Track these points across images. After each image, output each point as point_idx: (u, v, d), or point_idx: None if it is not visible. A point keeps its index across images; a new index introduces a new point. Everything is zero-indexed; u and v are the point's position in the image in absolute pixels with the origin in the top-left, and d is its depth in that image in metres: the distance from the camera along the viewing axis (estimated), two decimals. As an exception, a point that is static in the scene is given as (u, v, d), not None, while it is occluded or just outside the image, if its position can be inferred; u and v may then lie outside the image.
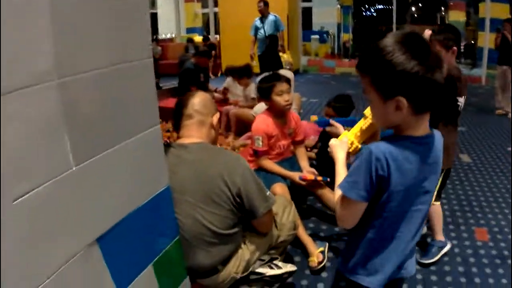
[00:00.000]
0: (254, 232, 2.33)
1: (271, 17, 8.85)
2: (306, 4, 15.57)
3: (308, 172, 3.34)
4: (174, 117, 2.29)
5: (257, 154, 3.41)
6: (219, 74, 12.36)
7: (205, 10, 17.23)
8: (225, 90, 6.88)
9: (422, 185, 1.43)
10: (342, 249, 1.85)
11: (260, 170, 3.36)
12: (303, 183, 3.26)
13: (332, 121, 1.98)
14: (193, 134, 2.20)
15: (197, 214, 2.04)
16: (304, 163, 3.51)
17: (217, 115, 2.32)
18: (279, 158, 3.51)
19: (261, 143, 3.32)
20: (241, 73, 6.42)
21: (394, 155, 1.33)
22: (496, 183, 4.69)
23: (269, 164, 3.38)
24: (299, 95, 6.90)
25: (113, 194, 1.39)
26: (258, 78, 5.29)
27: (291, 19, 11.98)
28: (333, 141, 1.67)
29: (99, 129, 1.30)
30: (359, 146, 1.66)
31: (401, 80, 1.25)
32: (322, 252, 3.14)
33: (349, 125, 2.21)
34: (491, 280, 2.94)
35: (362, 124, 1.66)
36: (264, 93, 3.43)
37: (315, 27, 17.13)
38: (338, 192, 1.46)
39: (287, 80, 3.47)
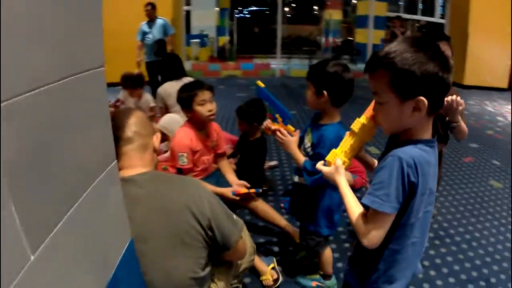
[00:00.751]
0: (218, 265, 2.05)
1: (159, 21, 8.36)
2: (186, 8, 15.34)
3: (239, 186, 3.20)
4: None
5: (181, 172, 3.07)
6: None
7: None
8: (120, 103, 6.11)
9: (432, 187, 1.44)
10: (351, 264, 1.74)
11: None
12: (237, 198, 3.08)
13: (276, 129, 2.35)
14: (137, 163, 1.78)
15: (168, 265, 1.69)
16: (231, 176, 3.35)
17: (158, 135, 1.93)
18: (204, 174, 3.28)
19: (186, 160, 3.03)
20: (135, 83, 5.85)
21: (420, 160, 1.35)
22: None
23: None
24: None
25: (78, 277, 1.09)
26: (162, 86, 4.98)
27: (175, 23, 11.63)
28: (326, 169, 1.60)
29: (52, 184, 0.95)
30: (349, 162, 1.63)
31: (422, 80, 1.27)
32: (274, 268, 3.05)
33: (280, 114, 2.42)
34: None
35: (352, 141, 1.61)
36: (185, 102, 3.12)
37: (194, 31, 17.02)
38: (358, 211, 1.44)
39: (210, 88, 3.18)
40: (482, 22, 11.86)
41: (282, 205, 4.18)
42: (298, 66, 15.00)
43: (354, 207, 1.45)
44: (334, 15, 18.81)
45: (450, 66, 1.31)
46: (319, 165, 1.64)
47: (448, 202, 4.32)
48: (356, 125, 1.58)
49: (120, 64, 10.56)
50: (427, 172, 1.37)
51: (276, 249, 3.42)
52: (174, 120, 4.45)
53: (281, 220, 3.41)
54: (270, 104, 2.47)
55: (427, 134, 1.41)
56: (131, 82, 5.79)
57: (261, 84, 2.50)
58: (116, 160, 1.31)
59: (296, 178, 2.63)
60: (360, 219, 1.41)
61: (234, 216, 1.95)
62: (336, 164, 1.56)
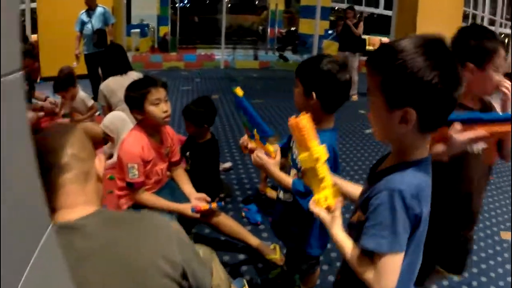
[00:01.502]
0: None
1: (99, 9, 7.85)
2: (127, -5, 14.90)
3: (198, 199, 2.89)
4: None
5: (132, 187, 2.70)
6: (38, 80, 11.12)
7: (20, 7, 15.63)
8: (62, 103, 5.78)
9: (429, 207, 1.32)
10: None
11: (137, 206, 2.75)
12: (197, 215, 2.79)
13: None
14: (78, 200, 1.31)
15: None
16: (188, 187, 3.01)
17: (101, 157, 1.46)
18: (157, 187, 2.91)
19: (137, 173, 2.64)
20: (64, 84, 5.38)
21: (423, 186, 1.23)
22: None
23: (152, 198, 2.77)
24: None
25: None
26: (105, 83, 4.62)
27: (115, 12, 11.21)
28: (324, 216, 1.39)
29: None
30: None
31: (415, 88, 1.12)
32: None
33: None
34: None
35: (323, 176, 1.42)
36: (135, 102, 2.72)
37: (135, 20, 16.66)
38: (356, 255, 1.28)
39: (164, 85, 2.82)
40: (431, 15, 12.04)
41: (243, 213, 3.92)
42: (243, 57, 14.97)
43: (361, 259, 1.28)
44: (278, 4, 18.88)
45: (459, 81, 1.16)
46: (313, 206, 1.42)
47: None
48: (304, 163, 1.42)
49: (57, 57, 10.19)
50: (427, 195, 1.26)
51: (244, 268, 3.13)
52: (118, 117, 4.19)
53: (248, 236, 3.11)
54: (248, 118, 2.09)
55: (424, 153, 1.27)
56: (59, 84, 5.41)
57: (240, 93, 2.10)
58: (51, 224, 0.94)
59: (281, 194, 2.31)
60: (368, 265, 1.25)
61: (200, 251, 1.73)
62: (334, 216, 1.37)
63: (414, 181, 1.21)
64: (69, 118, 5.32)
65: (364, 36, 10.09)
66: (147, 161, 2.73)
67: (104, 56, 5.17)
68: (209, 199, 2.93)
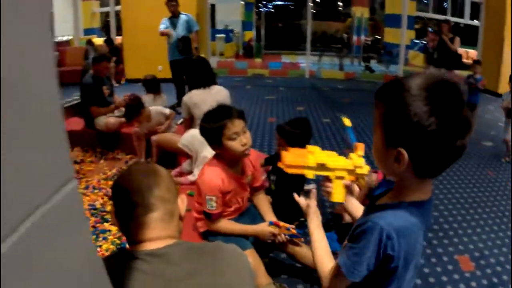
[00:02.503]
0: None
1: (183, 17, 7.97)
2: (210, 1, 15.13)
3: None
4: (118, 210, 1.42)
5: (210, 217, 2.67)
6: (122, 81, 11.33)
7: (104, 9, 15.98)
8: (131, 97, 5.67)
9: (418, 258, 1.34)
10: None
11: (214, 233, 2.74)
12: (275, 230, 2.69)
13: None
14: (161, 235, 1.38)
15: None
16: (268, 214, 2.92)
17: (184, 198, 1.54)
18: (237, 214, 2.87)
19: (215, 205, 2.59)
20: (135, 111, 5.24)
21: (404, 231, 1.22)
22: (457, 197, 4.72)
23: (229, 225, 2.74)
24: None
25: None
26: (186, 96, 4.54)
27: (199, 18, 11.36)
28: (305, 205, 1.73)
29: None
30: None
31: (410, 131, 1.12)
32: None
33: None
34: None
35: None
36: (212, 137, 2.61)
37: (219, 26, 16.88)
38: (329, 264, 1.47)
39: (241, 115, 2.65)
40: None
41: None
42: (328, 66, 14.83)
43: (326, 259, 1.51)
44: (362, 12, 18.56)
45: (462, 129, 1.12)
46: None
47: (500, 240, 3.88)
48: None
49: (141, 60, 10.39)
50: (412, 240, 1.25)
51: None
52: (197, 137, 4.09)
53: None
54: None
55: (422, 196, 1.25)
56: (129, 114, 5.31)
57: (348, 123, 1.98)
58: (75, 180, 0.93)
59: None
60: (333, 272, 1.40)
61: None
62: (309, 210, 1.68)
63: (395, 223, 1.21)
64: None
65: (461, 50, 9.71)
66: (227, 192, 2.67)
67: (189, 68, 5.05)
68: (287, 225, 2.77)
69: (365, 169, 1.56)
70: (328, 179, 1.62)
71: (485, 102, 9.64)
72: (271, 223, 2.70)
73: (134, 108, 5.17)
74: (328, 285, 1.40)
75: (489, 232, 3.98)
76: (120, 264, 1.28)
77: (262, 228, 2.72)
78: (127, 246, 1.43)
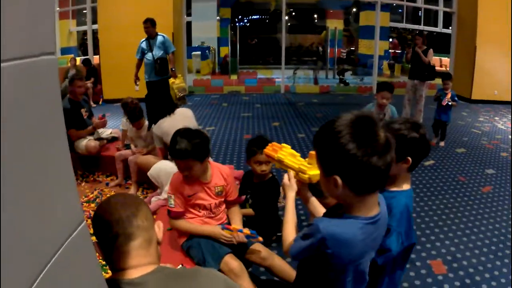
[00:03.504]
0: None
1: (159, 38, 8.14)
2: (187, 18, 15.21)
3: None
4: (100, 241, 1.51)
5: (169, 214, 3.05)
6: (100, 102, 11.35)
7: (81, 28, 16.11)
8: (124, 134, 5.81)
9: (362, 262, 1.55)
10: None
11: (195, 242, 3.01)
12: (228, 236, 2.94)
13: None
14: (142, 261, 1.48)
15: None
16: (236, 222, 3.20)
17: (159, 223, 1.63)
18: (217, 223, 3.14)
19: (173, 203, 2.99)
20: (135, 117, 5.35)
21: (340, 237, 1.44)
22: (429, 204, 4.89)
23: (187, 225, 3.06)
24: (206, 132, 6.10)
25: None
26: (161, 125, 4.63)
27: (176, 36, 11.43)
28: (286, 181, 1.86)
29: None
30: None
31: (338, 160, 1.36)
32: None
33: None
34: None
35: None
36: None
37: (195, 42, 17.01)
38: (292, 236, 1.69)
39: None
40: (489, 34, 11.88)
41: None
42: (303, 80, 15.12)
43: (291, 231, 1.72)
44: (337, 24, 18.90)
45: (380, 150, 1.34)
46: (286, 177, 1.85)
47: (472, 243, 4.06)
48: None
49: (119, 80, 10.44)
50: (349, 248, 1.46)
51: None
52: (164, 171, 4.30)
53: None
54: None
55: (366, 212, 1.47)
56: (132, 114, 5.37)
57: None
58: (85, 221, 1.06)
59: None
60: (291, 242, 1.65)
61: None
62: (290, 178, 1.83)
63: (333, 230, 1.44)
64: (130, 149, 5.44)
65: (434, 58, 9.97)
66: (190, 195, 3.02)
67: (148, 103, 5.22)
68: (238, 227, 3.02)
69: (306, 176, 1.77)
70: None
71: (458, 108, 9.94)
72: (223, 227, 2.95)
73: (138, 113, 5.30)
74: (285, 250, 1.68)
75: (461, 236, 4.15)
76: None
77: (215, 229, 2.99)
78: (110, 273, 1.51)
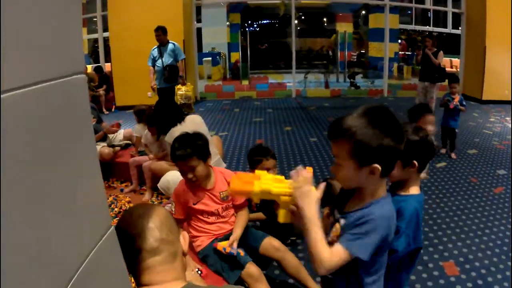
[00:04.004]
0: None
1: (170, 46, 8.28)
2: (197, 25, 15.28)
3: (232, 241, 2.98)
4: (124, 256, 1.33)
5: None
6: (113, 109, 11.43)
7: (92, 36, 16.26)
8: (138, 140, 5.87)
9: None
10: None
11: (211, 250, 3.03)
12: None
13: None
14: (168, 277, 1.41)
15: None
16: (237, 226, 3.14)
17: (184, 234, 1.57)
18: (229, 228, 3.18)
19: (174, 209, 3.08)
20: (152, 121, 5.34)
21: (391, 214, 1.67)
22: (441, 206, 4.90)
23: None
24: (218, 137, 6.14)
25: None
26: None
27: (186, 42, 11.53)
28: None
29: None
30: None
31: (378, 152, 1.54)
32: None
33: None
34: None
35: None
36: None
37: (206, 48, 17.08)
38: (337, 248, 1.63)
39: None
40: (499, 35, 11.88)
41: None
42: (314, 84, 15.13)
43: (322, 245, 1.61)
44: (346, 28, 18.90)
45: (403, 137, 1.59)
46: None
47: (484, 244, 4.07)
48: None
49: (130, 87, 10.50)
50: (393, 223, 1.68)
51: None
52: (173, 182, 4.34)
53: (308, 280, 3.15)
54: None
55: (383, 191, 1.69)
56: (147, 119, 5.53)
57: None
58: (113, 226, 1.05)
59: None
60: (338, 254, 1.61)
61: None
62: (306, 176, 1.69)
63: (386, 211, 1.64)
64: (145, 155, 5.52)
65: (445, 59, 9.95)
66: (195, 203, 3.07)
67: (156, 114, 5.19)
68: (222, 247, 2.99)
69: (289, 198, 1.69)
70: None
71: (469, 110, 9.91)
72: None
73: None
74: (328, 264, 1.60)
75: (473, 237, 4.17)
76: None
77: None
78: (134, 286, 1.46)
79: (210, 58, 16.32)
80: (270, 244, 3.10)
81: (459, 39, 13.79)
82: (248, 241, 3.12)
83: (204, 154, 3.01)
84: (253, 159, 3.81)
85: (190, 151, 2.94)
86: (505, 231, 4.32)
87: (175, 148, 3.01)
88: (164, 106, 5.07)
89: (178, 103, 9.20)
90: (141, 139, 5.64)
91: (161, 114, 4.93)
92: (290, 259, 3.11)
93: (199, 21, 15.20)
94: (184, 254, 1.51)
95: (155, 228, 1.42)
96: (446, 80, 8.27)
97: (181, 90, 9.37)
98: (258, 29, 25.96)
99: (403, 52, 19.78)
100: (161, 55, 8.18)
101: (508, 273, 3.56)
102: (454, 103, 6.82)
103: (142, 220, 1.42)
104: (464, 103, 7.01)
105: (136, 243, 1.38)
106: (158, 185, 4.57)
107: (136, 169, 5.47)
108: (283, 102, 12.59)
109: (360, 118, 1.55)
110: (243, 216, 3.24)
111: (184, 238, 1.54)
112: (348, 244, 1.59)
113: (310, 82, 15.62)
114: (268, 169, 3.56)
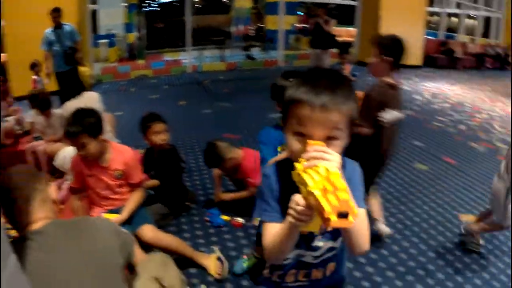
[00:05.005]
0: None
1: (66, 27, 8.11)
2: (91, 6, 14.79)
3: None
4: (3, 205, 1.80)
5: (71, 190, 3.40)
6: (9, 100, 11.05)
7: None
8: (33, 127, 5.77)
9: None
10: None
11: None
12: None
13: None
14: (40, 217, 1.82)
15: None
16: (124, 212, 3.24)
17: (53, 185, 2.03)
18: (118, 204, 3.33)
19: (70, 179, 3.33)
20: (45, 105, 5.47)
21: None
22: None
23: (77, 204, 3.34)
24: (111, 115, 6.04)
25: None
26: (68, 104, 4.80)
27: (80, 25, 11.01)
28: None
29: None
30: None
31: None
32: (219, 258, 3.32)
33: None
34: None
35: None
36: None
37: (102, 31, 16.79)
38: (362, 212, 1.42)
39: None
40: (392, 5, 12.89)
41: (206, 218, 4.14)
42: (210, 59, 15.26)
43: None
44: (245, 3, 19.11)
45: None
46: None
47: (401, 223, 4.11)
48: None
49: (28, 76, 10.26)
50: None
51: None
52: (69, 158, 4.06)
53: (197, 255, 3.40)
54: None
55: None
56: (39, 104, 5.54)
57: None
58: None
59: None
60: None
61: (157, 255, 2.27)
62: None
63: None
64: (41, 139, 5.47)
65: (341, 29, 10.46)
66: (88, 175, 3.23)
67: (59, 84, 5.21)
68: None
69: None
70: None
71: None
72: None
73: (44, 103, 5.39)
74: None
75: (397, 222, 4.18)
76: (18, 246, 1.63)
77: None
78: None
79: (106, 40, 16.08)
80: (143, 235, 3.21)
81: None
82: (131, 223, 3.24)
83: (95, 131, 3.04)
84: (143, 125, 4.00)
85: (80, 128, 2.97)
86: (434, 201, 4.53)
87: (67, 124, 3.07)
88: (69, 86, 5.08)
89: (89, 83, 8.81)
90: (36, 125, 5.63)
91: (67, 94, 5.00)
92: (167, 244, 3.27)
93: (94, 2, 14.98)
94: (54, 202, 1.92)
95: (28, 180, 1.84)
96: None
97: (87, 71, 9.22)
98: (156, 8, 25.66)
99: (301, 25, 20.27)
100: (59, 38, 7.99)
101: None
102: (346, 73, 7.28)
103: (18, 175, 1.86)
104: (355, 73, 7.55)
105: (13, 194, 1.78)
106: (54, 163, 4.52)
107: (33, 155, 5.40)
108: (179, 79, 12.81)
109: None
110: (135, 197, 3.35)
111: (52, 188, 1.96)
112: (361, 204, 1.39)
113: (206, 57, 15.81)
114: (159, 132, 3.93)
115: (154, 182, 4.06)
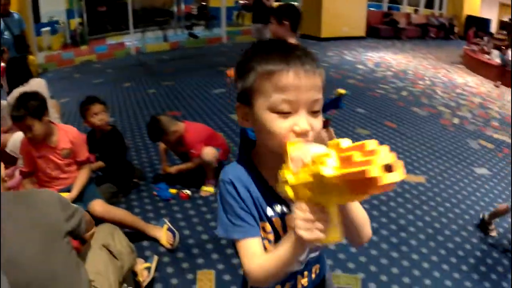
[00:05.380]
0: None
1: (15, 16, 8.12)
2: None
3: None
4: None
5: (21, 174, 3.55)
6: None
7: None
8: None
9: None
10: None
11: None
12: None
13: None
14: None
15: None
16: (74, 190, 3.41)
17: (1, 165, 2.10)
18: (67, 182, 3.50)
19: (21, 163, 3.38)
20: None
21: None
22: None
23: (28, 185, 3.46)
24: (56, 101, 6.12)
25: None
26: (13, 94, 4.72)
27: (22, 14, 10.76)
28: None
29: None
30: None
31: None
32: (169, 228, 3.51)
33: None
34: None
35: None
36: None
37: (44, 18, 16.56)
38: None
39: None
40: None
41: (155, 193, 4.32)
42: (153, 40, 15.43)
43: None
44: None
45: None
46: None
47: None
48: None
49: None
50: None
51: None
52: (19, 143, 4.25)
53: (148, 227, 3.53)
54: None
55: None
56: None
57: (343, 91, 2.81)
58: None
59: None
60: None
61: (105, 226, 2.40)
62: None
63: None
64: None
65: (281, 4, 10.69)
66: (39, 157, 3.38)
67: (6, 71, 5.35)
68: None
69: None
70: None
71: (309, 47, 10.89)
72: None
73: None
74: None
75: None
76: None
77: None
78: None
79: (49, 28, 15.88)
80: (93, 210, 3.28)
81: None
82: (82, 200, 3.40)
83: (39, 113, 3.17)
84: (82, 109, 4.07)
85: (23, 111, 3.10)
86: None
87: (11, 109, 3.20)
88: (19, 74, 5.19)
89: (39, 72, 8.99)
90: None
91: (12, 72, 5.15)
92: (119, 218, 3.37)
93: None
94: (3, 180, 2.17)
95: None
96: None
97: (34, 60, 9.21)
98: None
99: (243, 1, 20.41)
100: (8, 26, 7.94)
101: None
102: None
103: None
104: None
105: None
106: (6, 149, 4.48)
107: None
108: (122, 61, 12.85)
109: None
110: (83, 175, 3.52)
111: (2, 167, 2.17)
112: None
113: (150, 38, 15.91)
114: (97, 113, 4.01)
115: (99, 163, 4.19)
